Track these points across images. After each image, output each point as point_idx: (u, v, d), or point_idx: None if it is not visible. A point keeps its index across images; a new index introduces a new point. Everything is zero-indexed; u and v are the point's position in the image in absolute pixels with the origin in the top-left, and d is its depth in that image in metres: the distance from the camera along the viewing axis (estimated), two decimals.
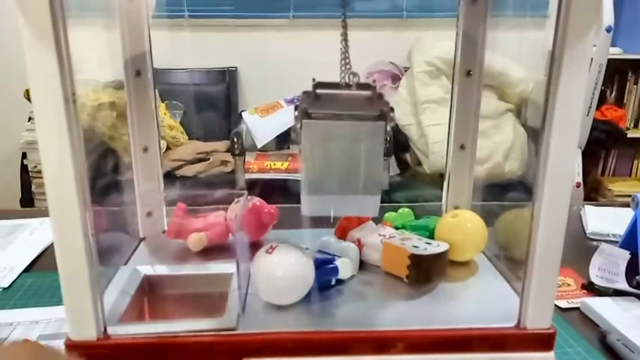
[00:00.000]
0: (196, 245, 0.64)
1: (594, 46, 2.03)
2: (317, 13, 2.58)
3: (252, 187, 2.13)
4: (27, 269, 0.81)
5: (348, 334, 0.48)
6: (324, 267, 0.54)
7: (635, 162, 2.89)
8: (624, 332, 0.62)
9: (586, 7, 0.40)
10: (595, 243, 0.87)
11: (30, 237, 0.92)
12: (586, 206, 1.05)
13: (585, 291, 0.73)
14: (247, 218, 0.64)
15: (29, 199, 2.39)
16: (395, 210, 0.69)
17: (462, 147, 0.68)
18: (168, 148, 2.38)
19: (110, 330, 0.47)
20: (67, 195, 0.42)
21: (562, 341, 0.62)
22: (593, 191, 2.69)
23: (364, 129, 0.47)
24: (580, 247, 0.89)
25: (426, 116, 2.35)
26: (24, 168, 2.37)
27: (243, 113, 2.63)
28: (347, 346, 0.48)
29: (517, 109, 2.47)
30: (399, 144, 2.43)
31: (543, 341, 0.48)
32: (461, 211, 0.64)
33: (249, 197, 0.66)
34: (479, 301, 0.55)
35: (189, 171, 2.31)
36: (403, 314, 0.52)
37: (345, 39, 0.48)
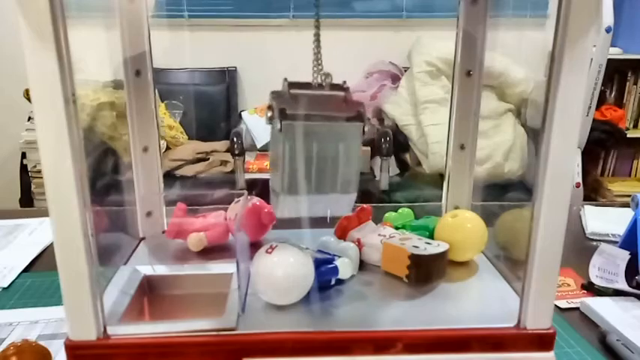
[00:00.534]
0: (196, 245, 0.64)
1: (594, 46, 2.03)
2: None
3: (252, 187, 2.13)
4: (26, 269, 0.81)
5: (348, 334, 0.48)
6: (324, 267, 0.54)
7: (635, 162, 2.89)
8: (624, 332, 0.62)
9: (586, 7, 0.40)
10: (595, 243, 0.87)
11: (30, 237, 0.92)
12: (586, 206, 1.05)
13: (585, 291, 0.73)
14: (247, 218, 0.64)
15: (29, 199, 2.39)
16: (395, 210, 0.69)
17: (462, 147, 0.68)
18: (168, 148, 2.38)
19: (110, 330, 0.47)
20: (67, 195, 0.42)
21: (562, 341, 0.62)
22: (593, 191, 2.69)
23: (344, 129, 0.47)
24: (580, 247, 0.89)
25: (426, 116, 2.35)
26: (23, 168, 2.37)
27: (243, 113, 2.64)
28: (347, 346, 0.48)
29: (517, 110, 2.47)
30: (399, 144, 2.43)
31: (543, 341, 0.48)
32: (461, 211, 0.64)
33: (249, 197, 0.66)
34: (479, 301, 0.55)
35: (189, 171, 2.31)
36: (403, 314, 0.52)
37: (317, 39, 0.48)
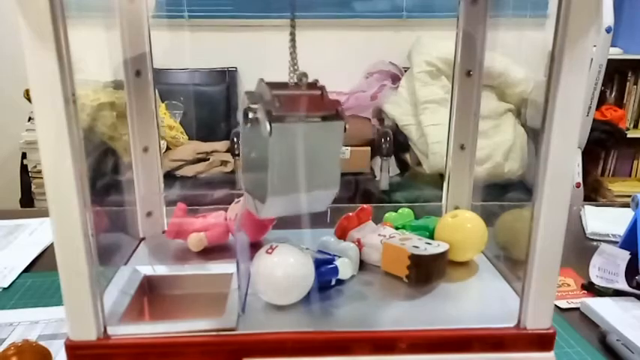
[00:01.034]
0: (196, 245, 0.64)
1: (594, 46, 2.03)
2: (317, 13, 2.58)
3: None
4: (27, 269, 0.81)
5: (348, 334, 0.48)
6: (324, 267, 0.54)
7: (635, 162, 2.90)
8: (624, 332, 0.62)
9: (586, 7, 0.40)
10: (595, 243, 0.87)
11: (30, 237, 0.92)
12: (586, 206, 1.05)
13: (585, 291, 0.73)
14: (247, 218, 0.64)
15: (29, 199, 2.39)
16: (395, 210, 0.69)
17: (462, 147, 0.68)
18: (168, 148, 2.38)
19: (110, 330, 0.47)
20: (67, 195, 0.42)
21: (562, 341, 0.62)
22: (593, 191, 2.69)
23: (328, 128, 0.48)
24: (580, 248, 0.89)
25: (426, 116, 2.35)
26: (24, 168, 2.37)
27: None
28: (347, 346, 0.48)
29: (517, 110, 2.47)
30: (399, 144, 2.43)
31: (543, 341, 0.48)
32: (461, 212, 0.64)
33: None
34: (479, 301, 0.55)
35: (189, 171, 2.31)
36: (403, 314, 0.52)
37: (292, 39, 0.48)
